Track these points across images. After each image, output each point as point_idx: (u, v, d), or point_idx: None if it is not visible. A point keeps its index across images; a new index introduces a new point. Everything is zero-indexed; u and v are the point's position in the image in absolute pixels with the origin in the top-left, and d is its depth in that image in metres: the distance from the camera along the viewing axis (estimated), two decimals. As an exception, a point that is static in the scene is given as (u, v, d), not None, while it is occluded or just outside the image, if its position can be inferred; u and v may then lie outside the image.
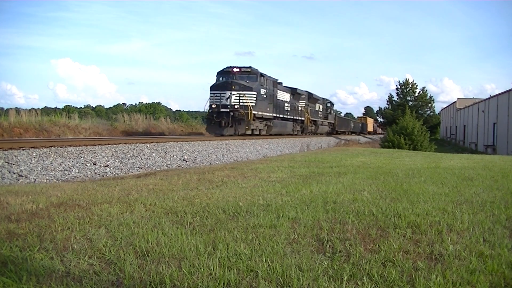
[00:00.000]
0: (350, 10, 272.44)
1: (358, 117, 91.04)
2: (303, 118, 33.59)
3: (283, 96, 28.63)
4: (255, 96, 22.57)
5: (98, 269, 2.67)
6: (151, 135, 24.12)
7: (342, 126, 54.11)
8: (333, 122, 47.67)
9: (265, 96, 24.22)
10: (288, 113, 29.48)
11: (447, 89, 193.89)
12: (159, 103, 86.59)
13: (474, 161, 12.63)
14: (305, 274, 2.63)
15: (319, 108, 40.18)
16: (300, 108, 32.92)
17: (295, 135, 32.25)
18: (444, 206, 4.71)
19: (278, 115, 27.16)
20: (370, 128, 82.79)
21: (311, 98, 36.31)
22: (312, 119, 36.43)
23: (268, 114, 24.86)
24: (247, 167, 9.28)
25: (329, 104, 45.52)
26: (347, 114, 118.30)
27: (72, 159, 9.96)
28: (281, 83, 29.39)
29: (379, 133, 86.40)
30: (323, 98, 42.45)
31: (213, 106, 21.82)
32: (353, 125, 64.79)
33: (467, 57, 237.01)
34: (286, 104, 29.00)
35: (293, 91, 31.28)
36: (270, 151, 19.50)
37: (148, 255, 2.92)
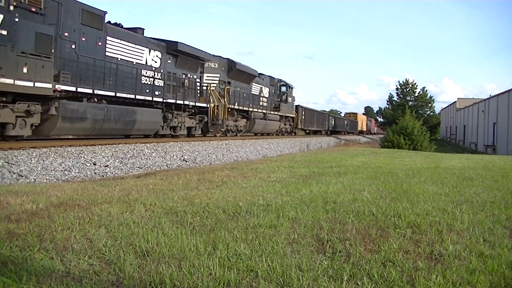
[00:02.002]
0: (350, 10, 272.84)
1: (346, 113, 75.34)
2: (203, 105, 17.88)
3: (135, 53, 14.02)
4: None
5: (98, 269, 2.67)
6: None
7: (311, 122, 38.17)
8: (292, 115, 31.87)
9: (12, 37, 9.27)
10: (148, 91, 14.42)
11: (447, 89, 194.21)
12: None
13: (474, 161, 12.63)
14: (305, 274, 2.63)
15: (260, 91, 25.34)
16: (201, 85, 18.54)
17: (177, 136, 16.72)
18: (444, 206, 4.71)
19: (96, 91, 11.87)
20: (361, 126, 69.76)
21: (236, 71, 21.29)
22: (240, 108, 21.80)
23: (30, 84, 9.76)
24: (247, 167, 9.29)
25: (284, 88, 29.73)
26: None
27: (72, 159, 9.96)
28: (143, 29, 15.08)
29: (375, 133, 78.54)
30: (271, 77, 28.06)
31: None
32: (333, 122, 48.80)
33: (467, 57, 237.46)
34: (145, 72, 14.39)
35: (172, 48, 15.77)
36: (270, 151, 19.51)
37: (148, 255, 2.92)
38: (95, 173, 9.62)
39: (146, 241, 3.19)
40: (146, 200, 4.80)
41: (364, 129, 72.33)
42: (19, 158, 9.04)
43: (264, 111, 25.74)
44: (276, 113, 28.14)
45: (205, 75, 19.28)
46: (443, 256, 3.01)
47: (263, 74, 26.89)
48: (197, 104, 17.64)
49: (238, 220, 3.92)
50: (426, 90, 70.06)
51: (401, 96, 69.36)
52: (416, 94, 69.18)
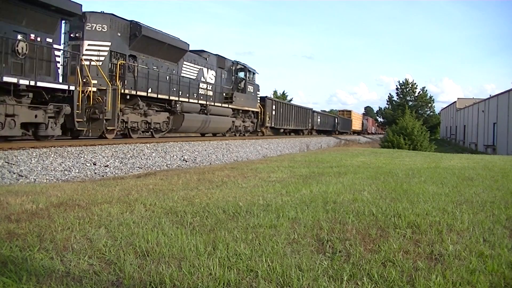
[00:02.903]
0: (350, 10, 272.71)
1: (339, 110, 66.52)
2: (62, 87, 10.95)
3: None
4: None
5: (98, 269, 2.67)
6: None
7: (287, 119, 30.79)
8: (254, 110, 24.13)
9: None
10: None
11: (447, 89, 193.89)
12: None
13: (474, 161, 12.63)
14: (305, 274, 2.63)
15: (199, 75, 18.21)
16: (76, 58, 12.18)
17: (4, 139, 10.16)
18: (444, 206, 4.71)
19: None
20: (356, 126, 61.49)
21: (144, 40, 14.34)
22: (153, 95, 14.87)
23: None
24: (247, 167, 9.29)
25: (242, 74, 22.74)
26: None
27: (72, 159, 9.96)
28: None
29: (373, 133, 75.38)
30: (219, 57, 20.45)
31: None
32: (319, 120, 41.03)
33: (467, 57, 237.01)
34: None
35: None
36: (270, 151, 19.52)
37: (148, 255, 2.92)
38: (95, 173, 9.62)
39: (146, 241, 3.19)
40: (146, 200, 4.80)
41: (360, 128, 64.45)
42: (19, 158, 9.04)
43: (204, 102, 18.28)
44: (226, 105, 20.41)
45: (85, 42, 12.58)
46: (443, 256, 3.01)
47: (206, 52, 19.32)
48: (42, 84, 10.36)
49: (238, 220, 3.92)
50: (426, 90, 70.39)
51: (401, 96, 69.53)
52: (416, 94, 69.35)
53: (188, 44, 17.09)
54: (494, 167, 9.88)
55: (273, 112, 27.77)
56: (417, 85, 69.67)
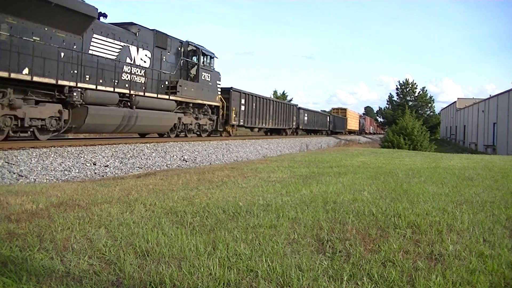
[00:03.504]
0: (350, 10, 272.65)
1: (333, 108, 60.39)
2: None
3: None
4: None
5: (98, 269, 2.67)
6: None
7: (262, 117, 25.59)
8: (213, 103, 19.21)
9: None
10: None
11: (447, 89, 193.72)
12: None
13: (474, 161, 12.63)
14: (305, 274, 2.63)
15: (124, 54, 13.40)
16: None
17: None
18: (444, 206, 4.71)
19: None
20: (352, 125, 56.99)
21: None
22: (26, 78, 9.82)
23: None
24: (247, 167, 9.29)
25: (194, 58, 17.81)
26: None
27: (72, 159, 9.96)
28: None
29: (371, 133, 74.02)
30: (159, 33, 15.31)
31: None
32: (306, 119, 36.17)
33: (467, 57, 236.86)
34: None
35: None
36: (270, 151, 19.53)
37: (148, 255, 2.92)
38: (95, 173, 9.62)
39: (146, 241, 3.19)
40: (146, 200, 4.80)
41: (356, 128, 59.85)
42: (19, 158, 9.04)
43: (127, 91, 13.55)
44: (168, 97, 15.57)
45: None
46: (443, 256, 3.01)
47: (136, 25, 14.41)
48: None
49: (238, 220, 3.92)
50: (426, 90, 70.42)
51: (401, 96, 69.58)
52: (416, 94, 69.40)
53: (97, 9, 12.03)
54: (494, 167, 9.88)
55: (242, 107, 22.40)
56: (417, 85, 69.78)
